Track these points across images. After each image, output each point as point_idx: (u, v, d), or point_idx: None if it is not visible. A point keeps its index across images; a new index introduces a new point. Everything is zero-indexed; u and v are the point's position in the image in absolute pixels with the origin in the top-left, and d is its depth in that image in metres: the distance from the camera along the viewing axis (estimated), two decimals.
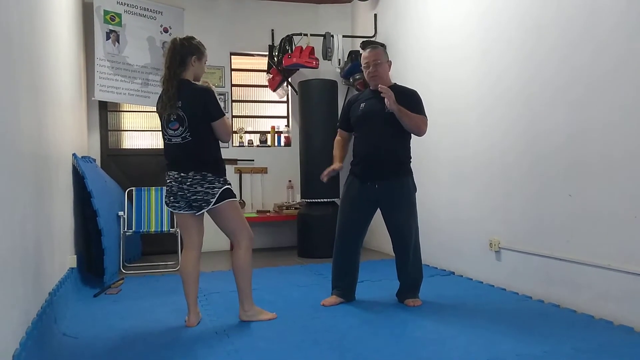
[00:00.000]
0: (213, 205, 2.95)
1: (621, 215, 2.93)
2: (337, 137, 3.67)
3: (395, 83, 3.54)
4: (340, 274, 3.52)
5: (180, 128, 2.93)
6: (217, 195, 2.95)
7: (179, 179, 2.95)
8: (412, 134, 3.44)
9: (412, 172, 3.48)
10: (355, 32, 6.48)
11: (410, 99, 3.39)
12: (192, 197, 2.94)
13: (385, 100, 3.23)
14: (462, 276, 4.32)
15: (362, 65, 3.50)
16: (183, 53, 2.97)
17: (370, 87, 3.51)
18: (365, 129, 3.43)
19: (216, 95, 3.03)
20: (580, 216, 3.21)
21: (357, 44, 6.04)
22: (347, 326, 2.99)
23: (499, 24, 3.90)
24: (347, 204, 3.48)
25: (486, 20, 4.05)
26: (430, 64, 4.85)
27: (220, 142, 3.07)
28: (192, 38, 3.06)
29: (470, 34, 4.26)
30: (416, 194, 3.47)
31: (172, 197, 3.01)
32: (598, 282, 3.07)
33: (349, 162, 3.56)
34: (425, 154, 4.88)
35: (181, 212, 3.03)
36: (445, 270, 4.57)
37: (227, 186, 3.02)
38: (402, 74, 5.32)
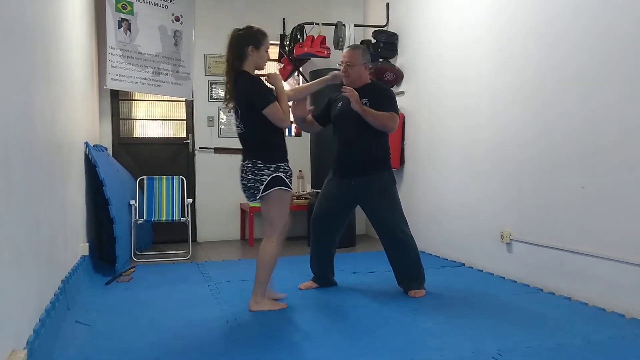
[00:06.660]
0: (262, 193, 2.97)
1: (634, 208, 2.90)
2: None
3: (372, 81, 3.59)
4: (314, 262, 3.70)
5: (238, 120, 3.05)
6: (265, 183, 2.96)
7: (242, 168, 3.07)
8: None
9: (389, 166, 3.54)
10: (367, 22, 6.43)
11: (380, 97, 3.44)
12: (247, 185, 3.02)
13: (351, 101, 3.29)
14: (472, 268, 4.31)
15: (339, 64, 3.57)
16: (240, 44, 2.98)
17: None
18: (342, 127, 3.52)
19: (263, 84, 3.02)
20: (593, 208, 3.18)
21: (369, 34, 5.99)
22: (358, 316, 3.00)
23: (510, 6, 3.85)
24: (322, 196, 3.63)
25: (498, 3, 4.00)
26: (442, 49, 4.79)
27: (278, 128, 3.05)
28: (251, 27, 3.05)
29: (482, 18, 4.20)
30: (396, 185, 3.53)
31: (242, 187, 3.09)
32: (610, 275, 3.05)
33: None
34: (437, 142, 4.86)
35: (250, 200, 3.12)
36: (455, 261, 4.55)
37: (278, 174, 2.99)
38: (414, 61, 5.29)
